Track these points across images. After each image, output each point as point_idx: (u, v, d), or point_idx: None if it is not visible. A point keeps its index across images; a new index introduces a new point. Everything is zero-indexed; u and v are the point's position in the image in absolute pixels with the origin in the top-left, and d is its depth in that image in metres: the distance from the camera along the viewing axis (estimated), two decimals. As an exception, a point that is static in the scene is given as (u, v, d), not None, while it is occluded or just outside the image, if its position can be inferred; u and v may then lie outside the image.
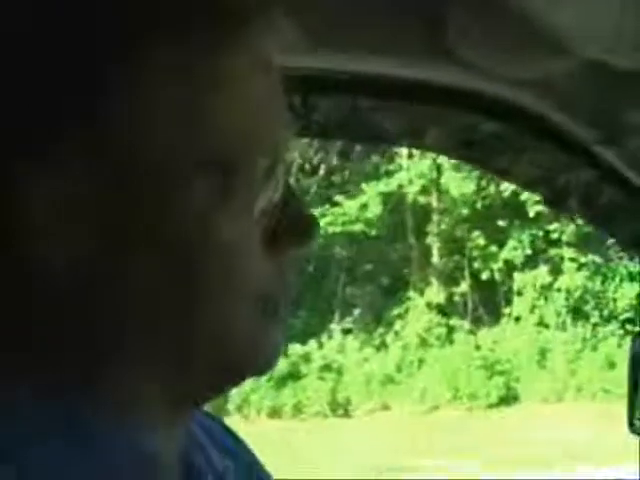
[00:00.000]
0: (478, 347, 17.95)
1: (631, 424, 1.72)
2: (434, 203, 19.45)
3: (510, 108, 1.43)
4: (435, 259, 19.59)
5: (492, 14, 1.16)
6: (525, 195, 18.24)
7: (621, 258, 18.67)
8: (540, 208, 18.15)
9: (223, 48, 0.76)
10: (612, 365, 17.68)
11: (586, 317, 18.48)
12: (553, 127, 1.45)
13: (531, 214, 18.47)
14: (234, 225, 0.76)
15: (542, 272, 18.58)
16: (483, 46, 1.22)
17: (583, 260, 18.73)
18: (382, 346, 18.52)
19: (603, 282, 18.61)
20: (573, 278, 18.47)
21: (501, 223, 19.00)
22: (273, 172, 0.78)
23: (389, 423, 16.09)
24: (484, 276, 19.09)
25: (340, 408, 17.31)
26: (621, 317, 18.36)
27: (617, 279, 18.55)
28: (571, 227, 18.40)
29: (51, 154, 0.72)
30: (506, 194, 18.52)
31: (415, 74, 1.38)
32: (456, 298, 19.15)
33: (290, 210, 0.81)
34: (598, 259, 18.76)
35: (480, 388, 17.16)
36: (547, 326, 18.43)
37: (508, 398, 17.44)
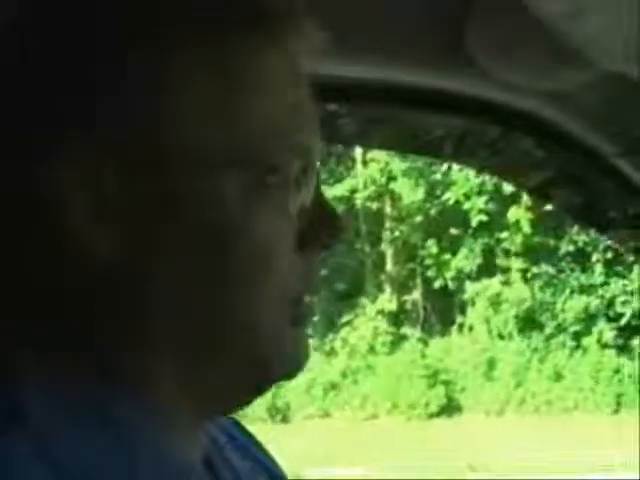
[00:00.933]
0: (424, 356, 17.76)
1: None
2: (387, 209, 19.30)
3: (528, 119, 1.44)
4: (389, 266, 19.44)
5: (511, 24, 1.17)
6: (468, 204, 18.10)
7: (573, 270, 18.51)
8: (483, 217, 18.04)
9: (258, 50, 0.77)
10: (559, 377, 17.53)
11: (535, 328, 18.28)
12: (572, 139, 1.46)
13: (474, 223, 18.27)
14: (268, 223, 0.77)
15: (494, 282, 18.38)
16: (502, 57, 1.23)
17: (536, 270, 18.52)
18: (332, 352, 18.38)
19: (553, 293, 18.39)
20: (522, 289, 18.22)
21: (454, 231, 18.81)
22: (306, 174, 0.80)
23: (326, 430, 15.91)
24: (437, 284, 18.94)
25: (279, 413, 17.17)
26: (571, 329, 18.14)
27: (567, 291, 18.35)
28: (519, 237, 18.25)
29: (83, 153, 0.73)
30: (450, 202, 18.36)
31: (433, 83, 1.38)
32: (408, 306, 18.99)
33: (320, 212, 0.82)
34: (552, 270, 18.56)
35: (421, 397, 17.01)
36: (497, 337, 18.21)
37: (450, 408, 17.28)
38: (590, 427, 15.64)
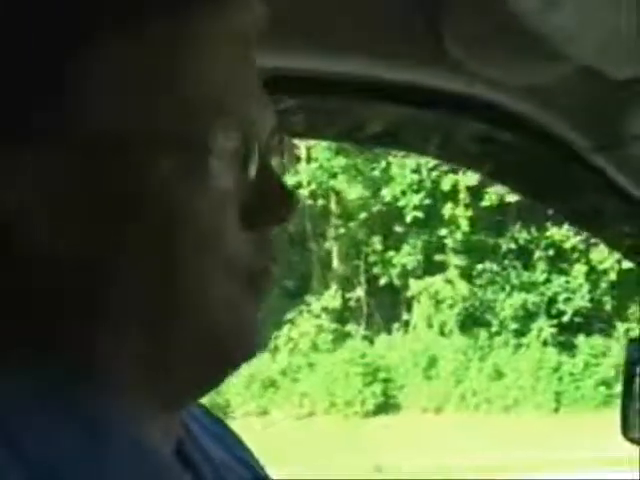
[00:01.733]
0: (364, 354, 17.68)
1: (624, 431, 1.71)
2: (332, 206, 19.23)
3: (506, 114, 1.45)
4: (335, 264, 19.37)
5: (488, 20, 1.17)
6: (404, 201, 18.06)
7: (515, 267, 18.49)
8: (418, 214, 17.99)
9: (187, 19, 0.77)
10: (500, 375, 17.49)
11: (477, 326, 18.24)
12: (549, 134, 1.47)
13: (408, 219, 18.21)
14: (204, 197, 0.77)
15: (436, 280, 18.33)
16: (480, 52, 1.24)
17: (480, 267, 18.48)
18: (275, 350, 18.30)
19: (495, 291, 18.35)
20: (463, 287, 18.18)
21: (398, 228, 18.75)
22: (246, 147, 0.80)
23: (263, 428, 15.81)
24: (382, 282, 18.87)
25: (219, 410, 17.05)
26: (512, 327, 18.11)
27: (508, 288, 18.32)
28: (459, 235, 18.21)
29: (18, 146, 0.74)
30: (387, 199, 18.31)
31: (411, 79, 1.39)
32: (352, 303, 18.92)
33: (267, 186, 0.81)
34: (494, 267, 18.52)
35: (358, 396, 16.92)
36: (438, 334, 18.16)
37: (388, 407, 17.22)
38: (527, 426, 15.62)
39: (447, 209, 18.22)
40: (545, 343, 17.94)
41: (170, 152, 0.76)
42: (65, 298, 0.77)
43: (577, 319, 18.36)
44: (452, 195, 18.07)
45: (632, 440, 1.71)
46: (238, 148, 0.79)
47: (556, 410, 17.22)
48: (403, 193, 18.15)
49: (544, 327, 18.06)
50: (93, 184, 0.76)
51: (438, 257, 18.52)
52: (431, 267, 18.57)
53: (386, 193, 18.14)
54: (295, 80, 1.37)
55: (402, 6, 1.25)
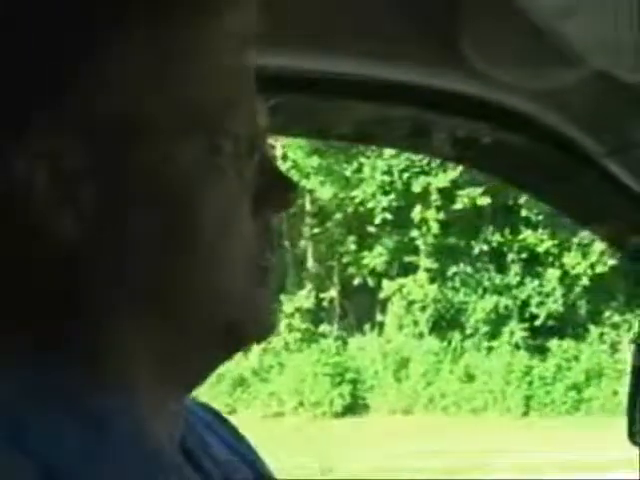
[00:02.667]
0: (335, 354, 17.65)
1: (630, 435, 1.68)
2: (307, 206, 19.18)
3: (519, 118, 1.45)
4: (310, 264, 19.33)
5: (505, 24, 1.18)
6: (373, 202, 18.01)
7: (488, 270, 18.44)
8: (387, 216, 17.94)
9: (194, 21, 0.79)
10: (471, 378, 17.46)
11: (449, 328, 18.18)
12: (561, 138, 1.47)
13: (377, 221, 18.19)
14: (226, 188, 0.79)
15: (408, 281, 18.28)
16: (495, 56, 1.24)
17: (454, 269, 18.43)
18: (248, 349, 18.24)
19: (467, 293, 18.30)
20: (436, 288, 18.12)
21: (371, 229, 18.70)
22: (255, 140, 0.83)
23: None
24: (356, 282, 18.83)
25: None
26: (484, 330, 18.06)
27: (480, 291, 18.26)
28: (430, 237, 18.16)
29: (37, 135, 0.76)
30: (357, 200, 18.27)
31: (428, 81, 1.40)
32: (325, 304, 18.87)
33: (269, 174, 0.83)
34: (467, 269, 18.47)
35: (326, 396, 16.90)
36: (410, 336, 18.10)
37: (357, 407, 17.18)
38: (496, 429, 15.58)
39: (416, 212, 18.16)
40: (516, 346, 17.89)
41: (189, 141, 0.78)
42: (73, 292, 0.78)
43: (550, 323, 18.32)
44: (423, 197, 18.02)
45: (639, 444, 1.68)
46: (250, 141, 0.82)
47: (525, 414, 17.19)
48: (373, 195, 18.10)
49: (515, 330, 18.01)
50: (109, 169, 0.77)
51: (410, 259, 18.46)
52: (406, 268, 18.51)
53: (356, 194, 18.07)
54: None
55: (416, 8, 1.26)
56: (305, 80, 1.39)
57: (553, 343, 18.05)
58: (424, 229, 18.16)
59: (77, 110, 0.77)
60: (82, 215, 0.77)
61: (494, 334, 18.02)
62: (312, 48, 1.32)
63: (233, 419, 1.01)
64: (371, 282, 18.73)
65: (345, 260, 18.92)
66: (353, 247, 18.84)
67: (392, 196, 18.09)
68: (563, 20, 1.11)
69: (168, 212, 0.78)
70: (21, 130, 0.76)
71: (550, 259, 18.46)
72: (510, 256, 18.47)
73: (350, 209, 18.81)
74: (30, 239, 0.77)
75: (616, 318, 18.38)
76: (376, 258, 18.52)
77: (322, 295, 18.98)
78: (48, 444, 0.73)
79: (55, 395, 0.76)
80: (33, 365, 0.77)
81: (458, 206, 18.01)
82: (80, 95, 0.77)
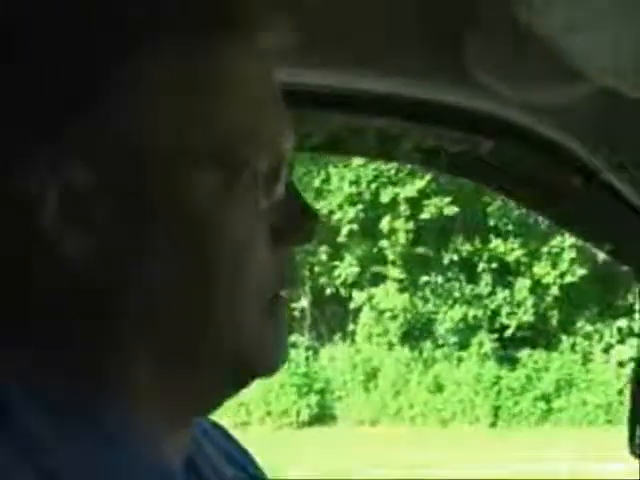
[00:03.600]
0: (303, 364, 17.61)
1: (631, 447, 1.68)
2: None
3: (523, 132, 1.46)
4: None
5: (509, 39, 1.18)
6: (339, 214, 17.97)
7: (458, 280, 18.40)
8: (354, 227, 17.92)
9: (224, 51, 0.80)
10: (440, 388, 17.41)
11: (419, 338, 18.14)
12: (565, 152, 1.48)
13: (344, 232, 18.19)
14: (242, 220, 0.78)
15: (379, 291, 18.25)
16: (499, 70, 1.25)
17: (425, 279, 18.39)
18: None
19: (437, 304, 18.25)
20: (406, 298, 18.08)
21: (341, 239, 18.66)
22: (278, 169, 0.81)
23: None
24: (328, 292, 18.79)
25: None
26: (454, 340, 18.01)
27: (450, 301, 18.22)
28: (399, 247, 18.13)
29: (55, 155, 0.76)
30: (324, 211, 18.23)
31: (431, 95, 1.41)
32: (297, 314, 18.83)
33: (293, 207, 0.82)
34: (438, 279, 18.43)
35: (293, 406, 16.88)
36: (380, 346, 18.06)
37: (324, 418, 17.14)
38: (462, 439, 15.54)
39: (385, 223, 18.13)
40: (486, 357, 17.84)
41: (207, 171, 0.78)
42: (73, 304, 0.78)
43: (521, 333, 18.26)
44: (392, 207, 17.99)
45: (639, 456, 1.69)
46: (269, 169, 0.81)
47: (493, 425, 17.14)
48: (340, 206, 18.07)
49: (485, 341, 17.96)
50: (122, 195, 0.77)
51: (380, 269, 18.42)
52: (377, 278, 18.48)
53: (323, 205, 18.02)
54: (314, 95, 1.40)
55: (421, 23, 1.26)
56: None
57: (523, 353, 17.99)
58: (393, 239, 18.13)
59: (94, 133, 0.77)
60: (92, 239, 0.77)
61: (464, 344, 17.97)
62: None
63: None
64: (343, 292, 18.70)
65: (316, 270, 18.89)
66: (324, 257, 18.80)
67: (359, 207, 18.06)
68: (566, 36, 1.11)
69: (183, 240, 0.77)
70: (33, 150, 0.76)
71: (521, 268, 18.42)
72: (481, 266, 18.43)
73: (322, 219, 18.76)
74: (40, 258, 0.77)
75: (588, 328, 18.32)
76: (347, 268, 18.48)
77: (293, 305, 18.94)
78: (60, 459, 0.73)
79: (67, 411, 0.77)
80: (45, 380, 0.77)
81: (425, 216, 17.98)
82: (99, 118, 0.76)
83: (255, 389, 17.19)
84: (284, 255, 0.82)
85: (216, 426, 1.01)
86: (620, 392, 17.11)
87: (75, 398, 0.77)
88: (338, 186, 17.95)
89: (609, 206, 1.57)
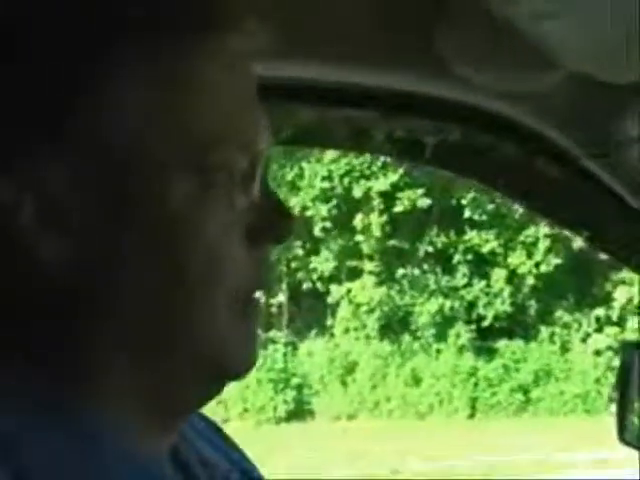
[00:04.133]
0: (280, 360, 17.56)
1: (620, 435, 1.71)
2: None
3: (502, 121, 1.46)
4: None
5: (481, 27, 1.18)
6: (313, 210, 17.94)
7: (435, 272, 18.39)
8: (327, 224, 17.89)
9: (194, 52, 0.79)
10: (418, 381, 17.41)
11: (396, 331, 18.12)
12: (544, 140, 1.49)
13: (316, 230, 18.19)
14: (217, 221, 0.79)
15: (355, 285, 18.22)
16: (476, 60, 1.25)
17: (401, 272, 18.37)
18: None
19: (414, 296, 18.23)
20: (382, 291, 18.06)
21: (317, 234, 18.61)
22: (252, 171, 0.82)
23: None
24: (305, 287, 18.75)
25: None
26: (431, 332, 18.00)
27: (426, 293, 18.21)
28: (373, 240, 18.11)
29: (28, 164, 0.76)
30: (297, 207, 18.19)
31: (409, 86, 1.41)
32: (274, 309, 18.79)
33: (268, 206, 0.83)
34: (414, 272, 18.41)
35: (270, 402, 16.81)
36: (358, 340, 18.04)
37: (302, 413, 17.11)
38: (440, 432, 15.55)
39: (358, 219, 18.11)
40: (463, 348, 17.85)
41: (183, 172, 0.78)
42: (50, 305, 0.78)
43: (499, 324, 18.27)
44: (365, 202, 17.97)
45: (628, 444, 1.71)
46: (246, 170, 0.81)
47: (471, 416, 17.16)
48: (313, 201, 18.03)
49: (461, 332, 17.97)
50: (98, 199, 0.77)
51: (356, 263, 18.40)
52: (354, 272, 18.46)
53: (296, 202, 17.95)
54: (297, 89, 1.41)
55: (393, 13, 1.27)
56: None
57: (501, 344, 18.01)
58: (368, 233, 18.11)
59: (69, 142, 0.77)
60: (69, 245, 0.77)
61: (441, 336, 17.97)
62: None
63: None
64: (320, 287, 18.67)
65: (293, 265, 18.84)
66: (300, 252, 18.76)
67: (332, 203, 18.01)
68: (541, 24, 1.11)
69: (157, 242, 0.78)
70: (11, 156, 0.77)
71: (496, 259, 18.43)
72: (456, 257, 18.44)
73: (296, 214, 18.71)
74: (16, 260, 0.78)
75: (567, 318, 18.36)
76: (323, 263, 18.44)
77: (271, 301, 18.90)
78: (40, 460, 0.74)
79: (47, 412, 0.77)
80: (25, 382, 0.78)
81: (399, 209, 17.96)
82: (75, 125, 0.77)
83: (233, 386, 17.13)
84: (260, 255, 0.83)
85: (207, 422, 1.03)
86: (597, 381, 17.21)
87: (51, 398, 0.78)
88: (309, 183, 17.88)
89: (588, 193, 1.59)
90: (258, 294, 0.85)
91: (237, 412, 16.76)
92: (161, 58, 0.79)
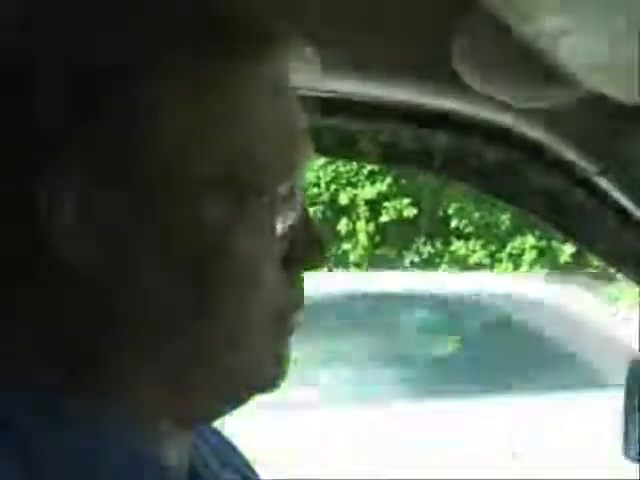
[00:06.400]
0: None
1: (625, 451, 1.71)
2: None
3: (512, 136, 1.51)
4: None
5: (497, 42, 1.20)
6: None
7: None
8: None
9: (239, 73, 0.81)
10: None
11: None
12: (555, 156, 1.53)
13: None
14: (253, 242, 0.82)
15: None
16: (487, 74, 1.27)
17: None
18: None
19: (398, 306, 18.13)
20: (367, 300, 17.94)
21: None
22: (293, 194, 0.86)
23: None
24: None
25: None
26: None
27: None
28: (359, 248, 18.03)
29: (61, 172, 0.78)
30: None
31: (419, 99, 1.45)
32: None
33: (306, 231, 0.88)
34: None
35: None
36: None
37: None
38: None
39: (342, 224, 18.03)
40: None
41: (216, 195, 0.80)
42: (81, 314, 0.80)
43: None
44: (350, 209, 17.89)
45: (633, 459, 1.72)
46: (287, 194, 0.84)
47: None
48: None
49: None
50: (134, 216, 0.79)
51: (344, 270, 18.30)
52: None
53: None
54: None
55: (409, 26, 1.30)
56: None
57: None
58: (354, 241, 18.03)
59: (106, 151, 0.78)
60: (102, 255, 0.79)
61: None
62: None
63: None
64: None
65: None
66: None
67: (317, 207, 17.93)
68: (554, 41, 1.12)
69: (192, 261, 0.80)
70: (45, 164, 0.78)
71: (482, 270, 18.35)
72: (443, 267, 18.36)
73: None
74: (42, 263, 0.80)
75: (551, 329, 18.30)
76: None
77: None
78: (55, 459, 0.76)
79: (64, 411, 0.80)
80: (43, 382, 0.80)
81: (384, 218, 17.89)
82: (111, 137, 0.78)
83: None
84: (293, 280, 0.87)
85: (216, 433, 1.07)
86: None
87: (73, 398, 0.81)
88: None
89: (596, 208, 1.64)
90: (293, 317, 0.87)
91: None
92: (205, 77, 0.80)
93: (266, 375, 0.87)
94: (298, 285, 0.88)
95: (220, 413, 0.89)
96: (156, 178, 0.79)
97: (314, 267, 0.88)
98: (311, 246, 0.87)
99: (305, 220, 0.87)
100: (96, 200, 0.79)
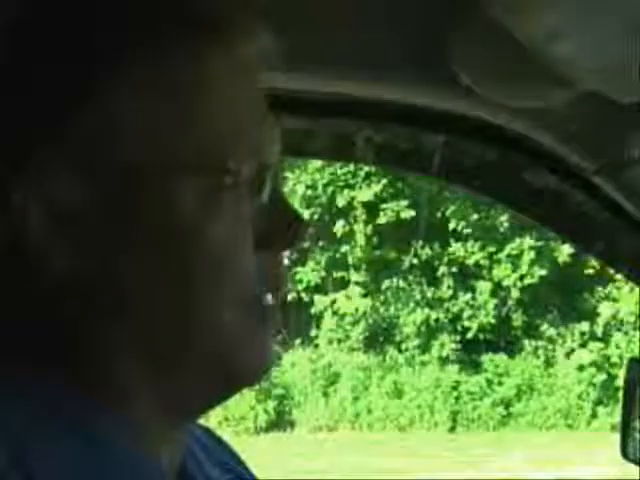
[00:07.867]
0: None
1: (623, 451, 1.69)
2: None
3: (510, 136, 1.48)
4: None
5: (495, 43, 1.19)
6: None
7: (420, 283, 18.31)
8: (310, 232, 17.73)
9: (198, 55, 0.80)
10: (400, 394, 17.31)
11: (380, 343, 18.01)
12: (553, 157, 1.51)
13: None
14: (226, 224, 0.80)
15: (340, 296, 18.12)
16: (485, 74, 1.26)
17: (387, 283, 18.27)
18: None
19: (399, 307, 18.12)
20: (366, 302, 17.95)
21: (303, 244, 18.50)
22: (262, 174, 0.83)
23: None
24: (290, 298, 18.64)
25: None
26: (415, 344, 17.88)
27: (411, 304, 18.10)
28: (358, 251, 18.02)
29: (35, 171, 0.78)
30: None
31: (416, 99, 1.43)
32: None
33: (279, 210, 0.84)
34: (399, 283, 18.31)
35: (250, 411, 16.71)
36: (342, 351, 17.95)
37: (282, 423, 17.03)
38: (423, 445, 15.49)
39: (339, 227, 18.03)
40: (447, 360, 17.75)
41: (188, 183, 0.78)
42: (60, 310, 0.79)
43: (483, 336, 18.14)
44: (347, 211, 17.89)
45: (632, 461, 1.69)
46: (254, 175, 0.81)
47: (452, 429, 17.06)
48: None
49: (446, 344, 17.87)
50: (106, 207, 0.78)
51: (342, 273, 18.32)
52: (340, 283, 18.38)
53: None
54: (303, 102, 1.43)
55: (408, 27, 1.28)
56: None
57: (485, 357, 17.90)
58: (352, 243, 18.03)
59: (77, 148, 0.78)
60: (79, 250, 0.78)
61: (425, 348, 17.86)
62: (316, 69, 1.35)
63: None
64: (305, 297, 18.58)
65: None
66: (286, 262, 18.63)
67: (313, 210, 17.92)
68: (551, 41, 1.12)
69: (167, 249, 0.78)
70: (19, 163, 0.78)
71: (481, 271, 18.35)
72: (441, 269, 18.35)
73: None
74: (27, 271, 0.78)
75: (551, 332, 18.26)
76: (309, 273, 18.34)
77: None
78: (52, 461, 0.75)
79: (60, 413, 0.78)
80: (39, 385, 0.79)
81: (382, 220, 17.88)
82: (81, 134, 0.78)
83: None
84: (269, 259, 0.84)
85: (207, 432, 1.03)
86: (579, 396, 17.13)
87: (65, 400, 0.79)
88: (291, 190, 17.78)
89: (596, 208, 1.61)
90: (270, 298, 0.84)
91: (217, 421, 16.67)
92: (166, 62, 0.79)
93: (247, 359, 0.83)
94: (275, 266, 0.85)
95: (206, 401, 0.85)
96: (127, 172, 0.78)
97: (290, 245, 0.86)
98: (283, 225, 0.84)
99: (278, 200, 0.85)
100: (70, 198, 0.78)
